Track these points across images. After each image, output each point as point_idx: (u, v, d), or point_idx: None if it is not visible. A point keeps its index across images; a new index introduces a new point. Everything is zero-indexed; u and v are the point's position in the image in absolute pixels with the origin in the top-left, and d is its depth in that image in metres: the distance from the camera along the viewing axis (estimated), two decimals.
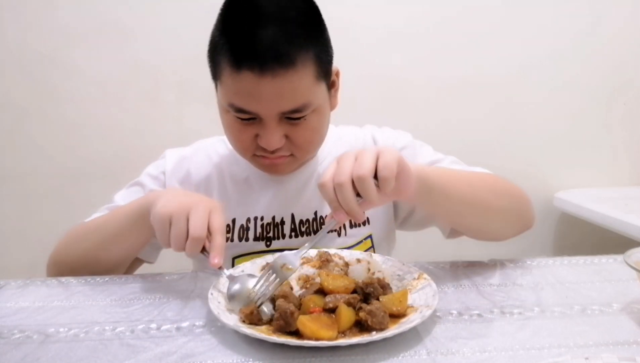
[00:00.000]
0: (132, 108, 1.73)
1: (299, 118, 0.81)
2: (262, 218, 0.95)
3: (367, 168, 0.64)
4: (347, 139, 1.02)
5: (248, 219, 0.95)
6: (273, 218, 0.95)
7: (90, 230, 0.89)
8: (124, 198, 0.95)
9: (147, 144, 1.66)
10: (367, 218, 0.96)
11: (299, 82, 0.78)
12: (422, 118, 1.79)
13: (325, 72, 0.84)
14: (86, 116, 1.72)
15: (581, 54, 1.82)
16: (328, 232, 0.90)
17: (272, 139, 0.81)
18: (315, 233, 0.95)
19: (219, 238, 0.71)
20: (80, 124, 1.73)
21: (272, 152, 0.84)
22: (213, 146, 1.02)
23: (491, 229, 0.89)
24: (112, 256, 0.88)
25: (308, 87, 0.80)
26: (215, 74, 0.83)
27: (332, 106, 0.90)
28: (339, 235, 0.95)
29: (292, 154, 0.87)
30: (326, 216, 0.95)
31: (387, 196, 0.66)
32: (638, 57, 1.85)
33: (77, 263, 0.87)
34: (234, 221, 0.96)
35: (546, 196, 1.88)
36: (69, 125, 1.73)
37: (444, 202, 0.80)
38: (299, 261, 0.70)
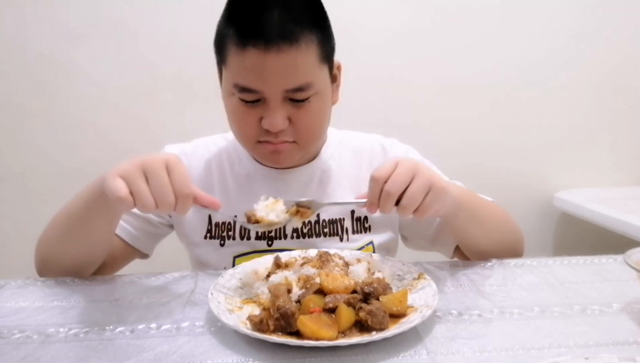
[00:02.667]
0: (132, 108, 1.73)
1: (302, 100, 0.82)
2: None
3: (416, 202, 0.71)
4: (350, 142, 1.02)
5: (249, 218, 0.95)
6: None
7: (56, 222, 0.85)
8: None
9: (146, 145, 1.66)
10: (370, 226, 0.97)
11: (303, 60, 0.79)
12: (423, 118, 1.80)
13: (328, 58, 0.85)
14: (86, 116, 1.72)
15: (581, 54, 1.83)
16: (332, 238, 0.95)
17: (275, 119, 0.81)
18: (317, 236, 0.95)
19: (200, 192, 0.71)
20: (80, 124, 1.73)
21: (276, 136, 0.84)
22: (214, 143, 1.02)
23: (490, 250, 0.90)
24: (80, 245, 0.82)
25: (312, 67, 0.81)
26: (221, 59, 0.84)
27: (334, 101, 0.91)
28: (341, 239, 0.95)
29: (294, 141, 0.87)
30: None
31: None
32: (638, 57, 1.85)
33: (53, 251, 0.84)
34: (235, 218, 0.95)
35: (546, 196, 1.89)
36: (69, 125, 1.73)
37: (465, 221, 0.86)
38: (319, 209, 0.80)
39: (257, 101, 0.82)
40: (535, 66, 1.82)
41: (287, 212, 0.77)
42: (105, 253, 0.87)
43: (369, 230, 0.96)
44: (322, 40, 0.82)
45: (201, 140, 1.04)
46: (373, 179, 0.73)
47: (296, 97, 0.82)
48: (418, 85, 1.79)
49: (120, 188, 0.65)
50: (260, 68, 0.78)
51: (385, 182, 0.71)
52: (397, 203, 0.71)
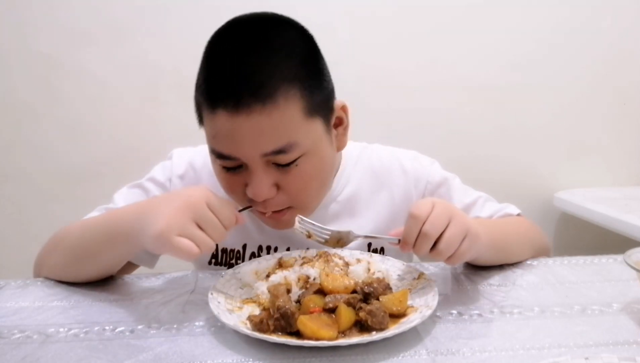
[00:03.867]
0: (132, 108, 1.73)
1: (288, 164, 0.73)
2: (275, 249, 0.91)
3: (452, 248, 0.67)
4: (368, 162, 0.96)
5: (260, 248, 0.92)
6: (288, 249, 0.90)
7: (66, 243, 0.82)
8: (125, 198, 0.91)
9: (147, 145, 1.66)
10: (382, 247, 0.93)
11: (281, 119, 0.70)
12: (422, 119, 1.79)
13: (320, 108, 0.75)
14: (86, 116, 1.72)
15: (582, 53, 1.82)
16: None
17: (259, 188, 0.73)
18: None
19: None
20: (80, 124, 1.73)
21: (264, 206, 0.77)
22: None
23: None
24: (86, 273, 0.80)
25: (293, 125, 0.71)
26: (200, 119, 0.77)
27: (339, 147, 0.83)
28: None
29: (290, 207, 0.79)
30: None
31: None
32: (639, 56, 1.85)
33: (55, 273, 0.82)
34: (244, 247, 0.92)
35: (546, 196, 1.88)
36: (69, 125, 1.72)
37: (490, 257, 0.82)
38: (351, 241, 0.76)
39: (239, 166, 0.74)
40: (536, 65, 1.81)
41: (325, 242, 0.75)
42: (112, 273, 0.84)
43: (384, 252, 0.93)
44: (308, 90, 0.72)
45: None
46: (413, 217, 0.67)
47: (279, 161, 0.72)
48: (417, 86, 1.78)
49: (191, 246, 0.64)
50: (231, 132, 0.70)
51: (424, 223, 0.66)
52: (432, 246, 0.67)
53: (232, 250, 0.92)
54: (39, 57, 1.68)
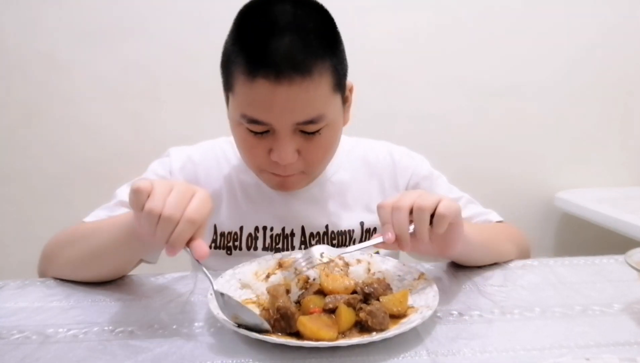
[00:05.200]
0: (132, 108, 1.73)
1: (313, 132, 0.79)
2: (271, 229, 0.94)
3: (429, 203, 0.66)
4: (361, 152, 1.01)
5: (257, 229, 0.94)
6: (283, 229, 0.94)
7: (77, 240, 0.83)
8: (127, 194, 0.92)
9: (146, 145, 1.67)
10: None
11: (315, 93, 0.76)
12: (423, 119, 1.79)
13: (341, 85, 0.82)
14: (86, 116, 1.72)
15: (581, 54, 1.82)
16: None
17: (285, 152, 0.79)
18: None
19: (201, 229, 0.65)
20: (79, 124, 1.73)
21: (285, 169, 0.82)
22: (222, 150, 0.99)
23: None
24: (95, 272, 0.81)
25: (324, 99, 0.78)
26: (228, 86, 0.81)
27: (344, 122, 0.88)
28: None
29: (302, 172, 0.85)
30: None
31: (436, 242, 0.69)
32: (639, 56, 1.85)
33: (63, 270, 0.82)
34: (241, 229, 0.94)
35: (547, 196, 1.88)
36: (69, 125, 1.73)
37: (472, 256, 0.83)
38: (335, 256, 0.72)
39: (266, 131, 0.79)
40: (535, 66, 1.81)
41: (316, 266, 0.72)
42: (120, 275, 0.83)
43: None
44: (336, 67, 0.78)
45: (208, 144, 1.01)
46: (379, 208, 0.69)
47: (307, 130, 0.79)
48: (419, 87, 1.79)
49: (145, 184, 0.63)
50: (270, 100, 0.75)
51: (414, 201, 0.66)
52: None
53: (229, 233, 0.94)
54: (39, 57, 1.68)
